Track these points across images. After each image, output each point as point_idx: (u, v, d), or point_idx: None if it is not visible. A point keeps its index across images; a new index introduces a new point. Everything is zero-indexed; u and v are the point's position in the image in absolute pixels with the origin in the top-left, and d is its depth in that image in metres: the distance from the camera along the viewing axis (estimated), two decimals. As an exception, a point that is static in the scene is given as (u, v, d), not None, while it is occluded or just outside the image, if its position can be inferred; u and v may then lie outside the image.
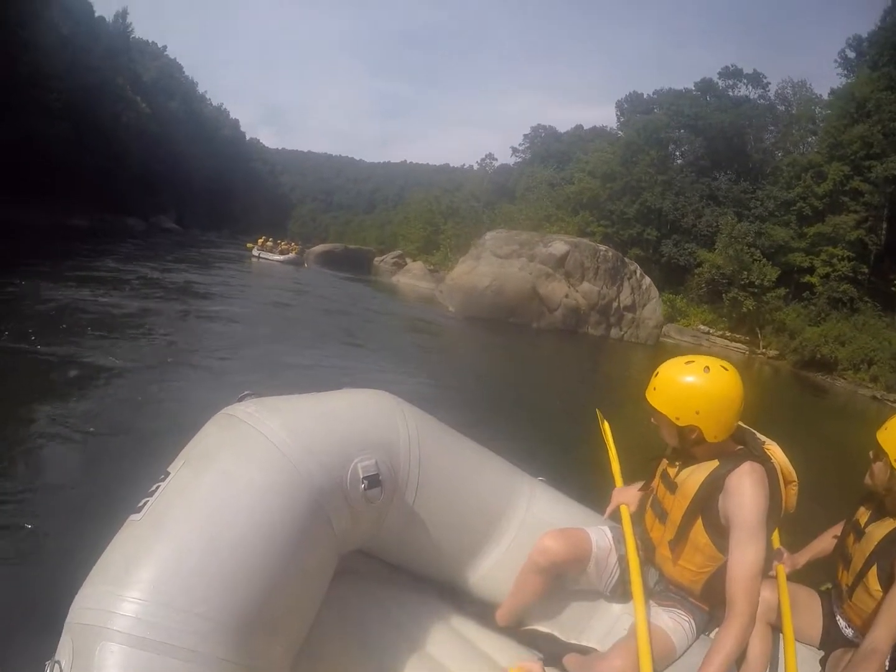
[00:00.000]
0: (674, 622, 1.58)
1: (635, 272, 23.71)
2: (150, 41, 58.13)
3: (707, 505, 1.51)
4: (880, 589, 1.53)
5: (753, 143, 37.34)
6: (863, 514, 1.69)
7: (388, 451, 1.48)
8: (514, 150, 55.97)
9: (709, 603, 1.62)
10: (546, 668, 1.44)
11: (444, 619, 1.59)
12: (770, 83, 38.60)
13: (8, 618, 2.23)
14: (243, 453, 1.28)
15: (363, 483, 1.39)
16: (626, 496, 1.81)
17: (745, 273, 29.62)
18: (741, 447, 1.55)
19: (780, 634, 1.58)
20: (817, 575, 1.87)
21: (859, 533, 1.66)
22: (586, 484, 4.32)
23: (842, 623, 1.67)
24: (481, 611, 1.68)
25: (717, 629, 1.67)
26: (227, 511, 1.18)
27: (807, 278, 29.88)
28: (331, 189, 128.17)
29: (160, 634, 1.00)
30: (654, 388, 1.54)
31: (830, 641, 1.68)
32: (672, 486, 1.60)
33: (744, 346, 29.12)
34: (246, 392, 1.53)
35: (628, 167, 37.34)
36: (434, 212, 50.33)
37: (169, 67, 60.63)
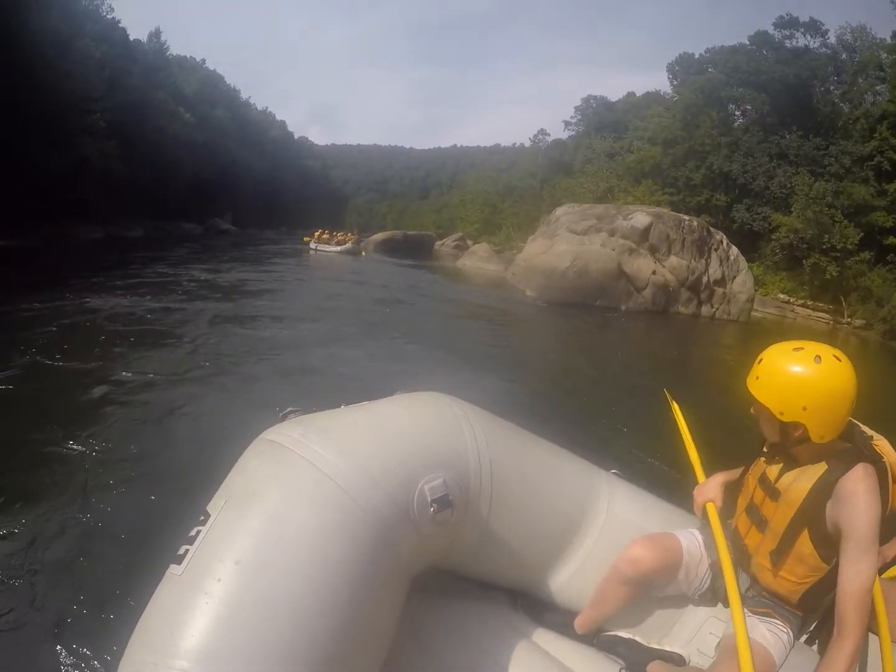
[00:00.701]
0: (773, 636, 1.47)
1: (721, 242, 21.53)
2: (188, 56, 60.07)
3: (815, 514, 1.38)
4: None
5: (820, 96, 34.29)
6: None
7: (456, 466, 1.36)
8: (567, 124, 53.90)
9: (804, 609, 1.50)
10: None
11: (517, 629, 1.51)
12: (829, 30, 35.42)
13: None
14: (294, 489, 1.14)
15: (432, 507, 1.25)
16: (710, 492, 1.66)
17: (827, 236, 27.37)
18: (848, 445, 1.40)
19: (875, 636, 1.43)
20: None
21: None
22: (663, 474, 4.19)
23: None
24: (558, 619, 1.61)
25: (806, 635, 1.59)
26: (280, 560, 1.05)
27: (890, 240, 27.41)
28: (383, 179, 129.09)
29: None
30: (757, 378, 1.39)
31: None
32: (773, 493, 1.47)
33: (827, 316, 27.10)
34: (289, 409, 1.42)
35: (689, 131, 35.41)
36: (491, 192, 49.95)
37: (210, 78, 62.36)
